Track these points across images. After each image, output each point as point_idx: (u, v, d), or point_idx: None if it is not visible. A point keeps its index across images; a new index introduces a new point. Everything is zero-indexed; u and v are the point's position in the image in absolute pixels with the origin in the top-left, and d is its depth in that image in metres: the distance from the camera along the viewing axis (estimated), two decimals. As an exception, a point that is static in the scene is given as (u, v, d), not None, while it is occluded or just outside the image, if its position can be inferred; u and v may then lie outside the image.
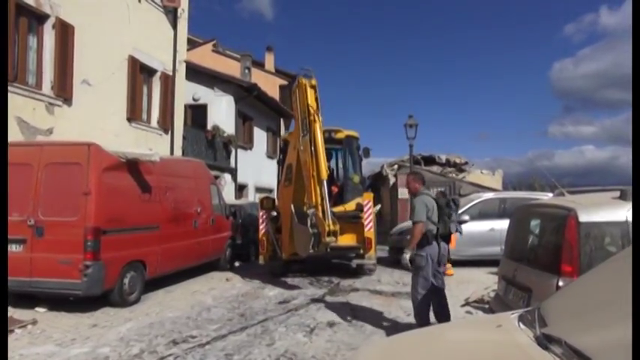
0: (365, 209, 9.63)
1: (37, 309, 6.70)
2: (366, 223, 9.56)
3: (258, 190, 19.98)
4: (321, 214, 7.94)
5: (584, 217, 3.67)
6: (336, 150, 11.54)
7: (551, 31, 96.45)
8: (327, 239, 7.84)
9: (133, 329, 6.00)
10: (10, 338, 5.46)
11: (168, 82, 13.20)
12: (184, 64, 14.20)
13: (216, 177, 14.97)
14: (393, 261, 11.93)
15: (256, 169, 19.74)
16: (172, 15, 13.36)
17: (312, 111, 8.38)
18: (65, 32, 9.52)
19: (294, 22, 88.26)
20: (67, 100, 9.64)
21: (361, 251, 9.74)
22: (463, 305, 7.41)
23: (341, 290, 8.72)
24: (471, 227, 10.89)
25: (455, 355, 2.18)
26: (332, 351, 5.18)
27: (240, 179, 18.74)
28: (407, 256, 5.40)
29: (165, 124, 13.15)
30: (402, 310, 7.07)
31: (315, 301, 7.77)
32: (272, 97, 20.81)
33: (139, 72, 12.05)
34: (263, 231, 9.98)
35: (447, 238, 5.88)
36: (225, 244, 10.98)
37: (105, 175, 6.86)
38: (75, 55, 9.73)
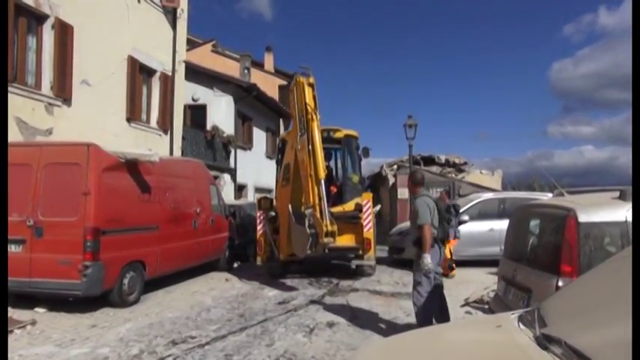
0: (364, 209, 9.54)
1: (36, 309, 6.69)
2: (365, 223, 9.48)
3: (258, 190, 19.97)
4: (318, 215, 7.86)
5: (583, 218, 3.67)
6: (335, 149, 11.42)
7: (550, 32, 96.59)
8: (325, 240, 7.78)
9: (132, 330, 6.00)
10: (10, 339, 5.45)
11: (167, 82, 13.19)
12: (184, 65, 14.18)
13: (216, 177, 14.97)
14: (392, 261, 11.95)
15: (256, 169, 19.74)
16: (172, 15, 13.35)
17: (309, 109, 8.28)
18: (64, 32, 9.51)
19: (293, 22, 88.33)
20: (67, 100, 9.63)
21: (360, 252, 9.66)
22: (463, 305, 7.41)
23: (340, 291, 8.71)
24: (471, 227, 10.92)
25: (454, 355, 2.18)
26: (331, 351, 5.18)
27: (240, 179, 18.74)
28: (428, 259, 5.17)
29: (165, 124, 13.14)
30: (402, 311, 7.07)
31: (314, 301, 7.77)
32: (271, 97, 20.82)
33: (139, 72, 12.04)
34: (261, 231, 9.91)
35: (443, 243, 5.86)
36: (224, 245, 10.96)
37: (104, 176, 6.85)
38: (74, 56, 9.72)
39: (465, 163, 20.94)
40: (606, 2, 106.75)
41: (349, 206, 9.94)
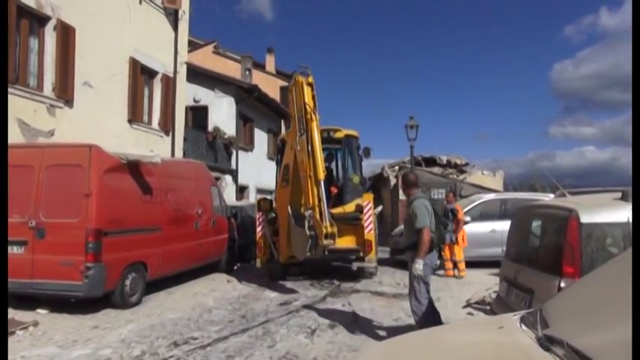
0: (365, 211, 9.40)
1: (38, 311, 6.70)
2: (366, 224, 9.35)
3: (259, 191, 19.98)
4: (318, 216, 7.74)
5: (585, 218, 3.67)
6: (336, 150, 11.28)
7: (551, 32, 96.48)
8: (325, 242, 7.65)
9: (134, 331, 6.00)
10: (12, 340, 5.46)
11: (169, 83, 13.21)
12: (185, 66, 14.20)
13: (217, 178, 14.98)
14: (394, 262, 11.93)
15: (257, 170, 19.74)
16: (173, 17, 13.38)
17: (309, 109, 8.15)
18: (66, 34, 9.53)
19: (293, 22, 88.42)
20: (68, 101, 9.65)
21: (361, 254, 9.54)
22: (464, 306, 7.40)
23: (342, 292, 8.71)
24: (472, 228, 10.91)
25: (456, 356, 2.18)
26: (333, 352, 5.18)
27: (241, 181, 18.74)
28: (420, 265, 4.97)
29: (166, 125, 13.16)
30: (404, 312, 7.06)
31: (316, 302, 7.77)
32: (273, 98, 20.83)
33: (140, 73, 12.06)
34: (260, 233, 9.80)
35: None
36: (226, 246, 10.95)
37: (106, 177, 6.86)
38: (76, 57, 9.75)
39: (467, 164, 20.92)
40: (607, 3, 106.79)
41: (350, 207, 9.84)
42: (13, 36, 8.36)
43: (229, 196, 15.95)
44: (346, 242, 9.42)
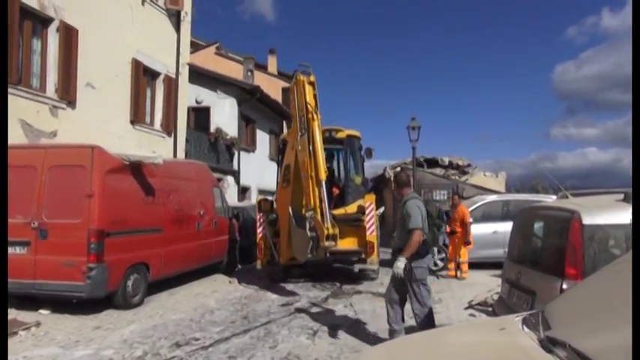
0: (367, 212, 9.30)
1: (40, 311, 6.71)
2: (368, 226, 9.25)
3: (261, 192, 19.97)
4: (319, 217, 7.61)
5: (587, 220, 3.66)
6: (337, 150, 11.11)
7: (553, 34, 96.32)
8: (326, 243, 7.50)
9: (136, 331, 6.01)
10: (14, 340, 5.48)
11: (171, 84, 13.24)
12: (187, 67, 14.23)
13: (219, 179, 14.99)
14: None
15: (259, 171, 19.75)
16: (175, 18, 13.41)
17: (310, 108, 8.01)
18: (69, 35, 9.56)
19: (295, 23, 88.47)
20: (71, 102, 9.68)
21: (363, 256, 9.43)
22: (467, 308, 7.40)
23: (344, 293, 8.70)
24: (475, 230, 10.89)
25: (458, 358, 2.18)
26: (335, 354, 5.18)
27: (243, 181, 18.75)
28: (402, 265, 4.88)
29: (169, 126, 13.18)
30: (405, 313, 7.04)
31: (317, 303, 7.77)
32: (275, 99, 20.84)
33: (142, 75, 12.09)
34: (260, 235, 9.68)
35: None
36: (228, 247, 10.95)
37: (108, 178, 6.88)
38: (79, 58, 9.77)
39: (469, 165, 20.89)
40: (609, 4, 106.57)
41: (351, 208, 9.74)
42: (16, 37, 8.38)
43: (231, 197, 15.97)
44: (348, 244, 9.34)
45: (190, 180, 9.54)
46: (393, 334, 5.09)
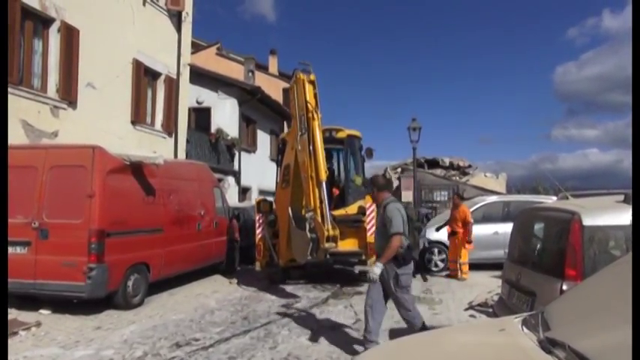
0: (367, 212, 9.15)
1: (41, 311, 6.72)
2: (368, 227, 9.07)
3: (262, 192, 19.97)
4: (319, 218, 7.47)
5: (588, 221, 3.66)
6: (338, 150, 10.92)
7: (554, 35, 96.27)
8: (326, 245, 7.37)
9: (136, 332, 6.01)
10: (14, 340, 5.48)
11: (172, 85, 13.25)
12: (188, 68, 14.24)
13: (220, 180, 14.99)
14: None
15: (260, 171, 19.76)
16: (176, 18, 13.42)
17: (310, 108, 7.85)
18: (70, 35, 9.58)
19: (296, 23, 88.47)
20: (72, 103, 9.69)
21: (364, 257, 9.31)
22: (467, 309, 7.40)
23: (344, 294, 8.70)
24: (475, 230, 10.88)
25: (458, 358, 2.18)
26: (335, 354, 5.18)
27: (244, 182, 18.76)
28: (378, 270, 4.74)
29: (169, 127, 13.20)
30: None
31: (318, 304, 7.76)
32: (275, 100, 20.85)
33: (143, 75, 12.10)
34: (259, 236, 9.55)
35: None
36: (229, 247, 10.95)
37: (109, 178, 6.88)
38: (80, 59, 9.79)
39: (470, 166, 20.92)
40: (610, 5, 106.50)
41: (352, 209, 9.64)
42: (17, 37, 8.40)
43: (232, 197, 15.97)
44: (348, 245, 9.26)
45: (191, 180, 9.55)
46: (368, 344, 4.78)
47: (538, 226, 4.68)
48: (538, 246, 4.65)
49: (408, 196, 16.91)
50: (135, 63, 11.63)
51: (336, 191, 10.32)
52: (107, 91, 10.66)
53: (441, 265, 11.19)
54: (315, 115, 7.91)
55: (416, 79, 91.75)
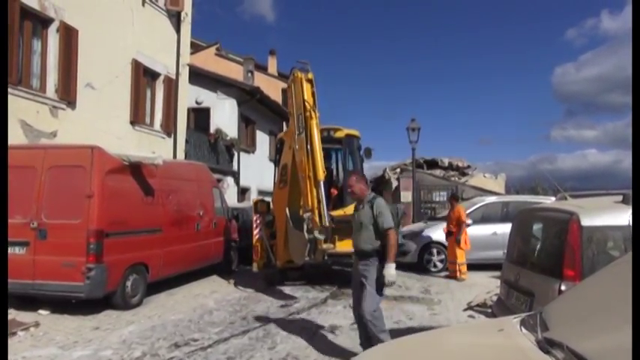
0: None
1: (39, 311, 6.71)
2: None
3: (261, 193, 19.98)
4: (317, 219, 7.37)
5: (586, 221, 3.67)
6: (336, 150, 10.83)
7: (552, 36, 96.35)
8: (324, 246, 7.29)
9: (135, 332, 6.01)
10: (13, 340, 5.48)
11: (171, 85, 13.25)
12: (187, 68, 14.25)
13: (219, 180, 14.99)
14: (395, 264, 11.91)
15: (259, 172, 19.77)
16: (176, 19, 13.42)
17: (308, 106, 7.72)
18: (69, 36, 9.57)
19: (295, 23, 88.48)
20: (71, 103, 9.68)
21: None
22: (465, 309, 7.41)
23: (343, 294, 8.68)
24: (474, 231, 10.90)
25: (456, 358, 2.18)
26: (334, 355, 5.18)
27: (243, 182, 18.76)
28: (393, 272, 4.59)
29: (168, 127, 13.19)
30: (404, 314, 7.06)
31: (316, 304, 7.76)
32: (275, 100, 20.85)
33: (143, 75, 12.10)
34: (257, 236, 9.42)
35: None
36: (227, 247, 10.94)
37: (108, 178, 6.88)
38: (79, 59, 9.78)
39: (469, 167, 20.91)
40: (609, 6, 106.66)
41: (350, 210, 9.53)
42: (17, 37, 8.39)
43: (231, 197, 15.97)
44: (347, 246, 9.17)
45: (190, 181, 9.54)
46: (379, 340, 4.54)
47: (537, 227, 4.68)
48: (537, 246, 4.65)
49: (407, 196, 16.91)
50: (134, 63, 11.62)
51: (334, 191, 10.27)
52: (106, 92, 10.66)
53: (440, 265, 11.19)
54: (313, 114, 7.79)
55: (415, 80, 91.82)
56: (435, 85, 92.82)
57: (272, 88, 22.32)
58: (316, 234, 7.18)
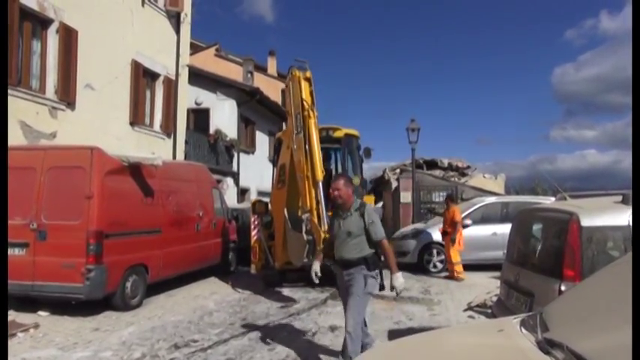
0: None
1: (39, 313, 6.71)
2: None
3: (261, 194, 19.98)
4: (316, 220, 7.29)
5: (586, 222, 3.66)
6: (335, 150, 10.71)
7: (551, 36, 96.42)
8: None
9: (134, 333, 6.00)
10: (13, 342, 5.47)
11: (170, 86, 13.25)
12: (187, 69, 14.24)
13: (219, 181, 14.99)
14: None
15: (258, 173, 19.76)
16: (175, 19, 13.42)
17: (306, 105, 7.60)
18: (69, 37, 9.57)
19: (294, 24, 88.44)
20: (71, 104, 9.68)
21: None
22: (465, 310, 7.40)
23: (343, 294, 8.67)
24: (474, 231, 10.89)
25: (456, 359, 2.18)
26: (334, 355, 5.16)
27: (243, 183, 18.76)
28: (402, 279, 4.36)
29: (168, 128, 13.19)
30: (404, 315, 7.06)
31: (316, 305, 7.75)
32: (274, 101, 20.86)
33: (142, 76, 12.09)
34: (255, 238, 9.33)
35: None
36: (227, 248, 10.94)
37: (107, 179, 6.88)
38: (78, 60, 9.78)
39: (468, 167, 20.88)
40: (608, 7, 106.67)
41: None
42: (16, 38, 8.39)
43: (230, 198, 15.96)
44: None
45: (189, 181, 9.54)
46: (365, 346, 4.43)
47: (536, 227, 4.68)
48: (536, 247, 4.65)
49: (406, 197, 16.89)
50: (134, 64, 11.62)
51: (333, 192, 10.22)
52: (106, 92, 10.66)
53: (440, 266, 11.19)
54: (312, 113, 7.70)
55: (415, 80, 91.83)
56: (434, 85, 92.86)
57: (272, 89, 22.32)
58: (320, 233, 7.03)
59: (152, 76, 12.70)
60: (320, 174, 7.47)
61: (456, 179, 19.33)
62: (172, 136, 13.40)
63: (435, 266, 11.23)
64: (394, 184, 19.17)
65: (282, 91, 23.67)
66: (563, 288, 3.54)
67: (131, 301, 7.30)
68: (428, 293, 8.82)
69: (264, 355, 5.18)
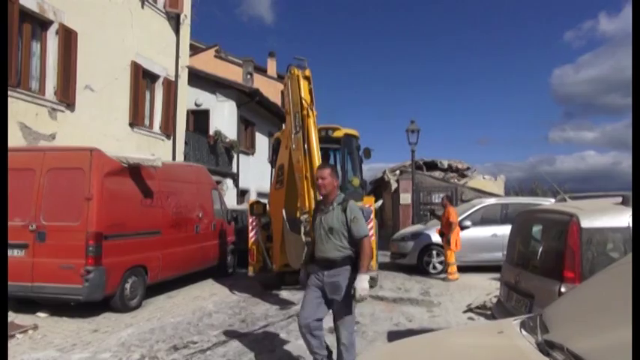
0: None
1: (38, 314, 6.69)
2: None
3: (260, 195, 19.96)
4: None
5: (586, 223, 3.66)
6: (334, 150, 10.53)
7: (551, 38, 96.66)
8: None
9: (134, 334, 5.99)
10: (11, 343, 5.46)
11: (170, 87, 13.25)
12: (187, 70, 14.25)
13: (218, 182, 14.99)
14: (394, 267, 11.92)
15: (258, 174, 19.74)
16: (175, 21, 13.43)
17: (305, 104, 7.43)
18: (68, 38, 9.57)
19: (294, 25, 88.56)
20: (70, 105, 9.68)
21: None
22: (465, 311, 7.39)
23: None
24: (473, 233, 10.89)
25: (456, 361, 2.18)
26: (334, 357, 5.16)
27: (242, 184, 18.76)
28: (367, 284, 3.89)
29: (168, 129, 13.19)
30: (404, 316, 7.05)
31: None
32: (274, 102, 20.87)
33: (142, 77, 12.10)
34: (253, 239, 9.15)
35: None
36: (227, 250, 10.93)
37: (107, 180, 6.87)
38: (78, 61, 9.78)
39: (468, 169, 20.89)
40: (606, 8, 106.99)
41: None
42: (16, 40, 8.39)
43: (230, 199, 15.96)
44: None
45: (189, 183, 9.53)
46: None
47: (536, 228, 4.67)
48: (536, 248, 4.64)
49: (406, 198, 16.91)
50: (133, 65, 11.62)
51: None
52: (105, 94, 10.66)
53: (439, 267, 11.18)
54: (311, 113, 7.55)
55: (415, 81, 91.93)
56: (434, 86, 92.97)
57: (271, 90, 22.33)
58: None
59: (152, 77, 12.71)
60: None
61: (456, 180, 19.34)
62: (172, 138, 13.41)
63: (434, 268, 11.22)
64: (394, 186, 19.18)
65: (282, 92, 23.68)
66: (563, 289, 3.54)
67: (130, 302, 7.29)
68: (427, 295, 8.82)
69: (263, 357, 5.17)
